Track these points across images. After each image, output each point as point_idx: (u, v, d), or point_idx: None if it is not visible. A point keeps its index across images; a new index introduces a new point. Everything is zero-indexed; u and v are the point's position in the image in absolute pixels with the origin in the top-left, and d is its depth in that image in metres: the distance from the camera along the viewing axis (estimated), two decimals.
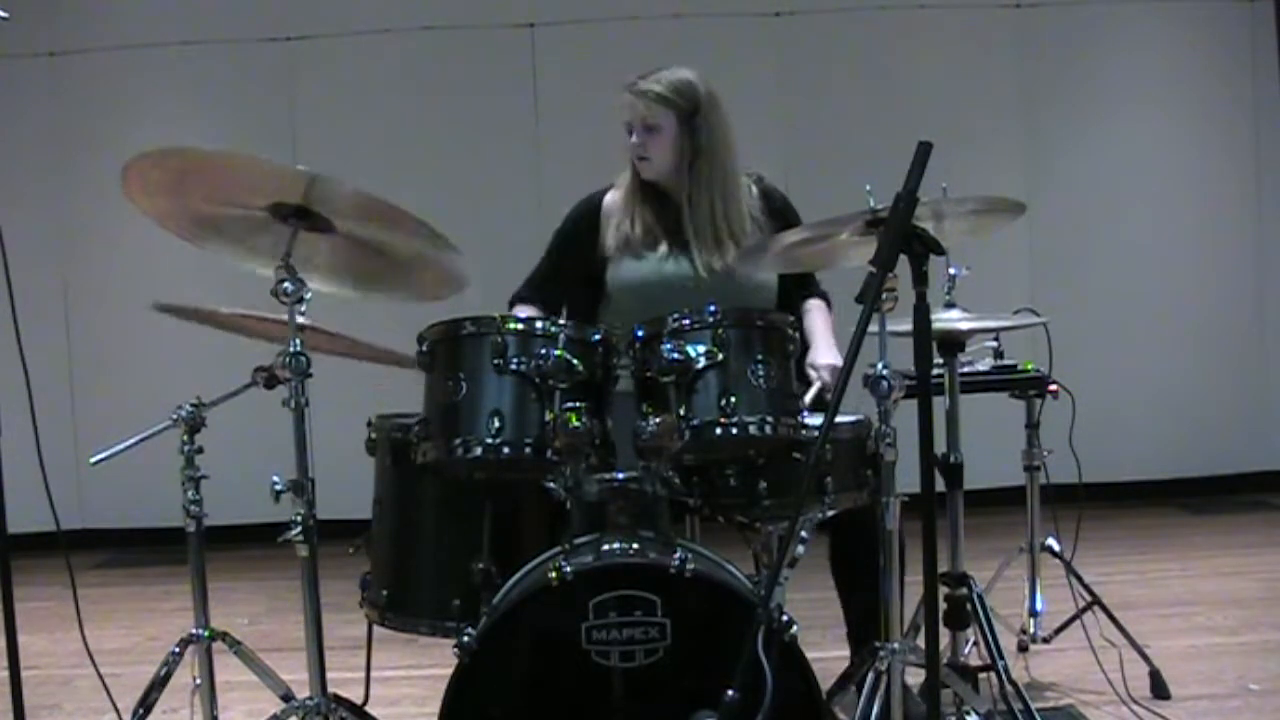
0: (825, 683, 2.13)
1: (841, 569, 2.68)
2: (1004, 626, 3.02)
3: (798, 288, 2.83)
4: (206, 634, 2.36)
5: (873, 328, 1.98)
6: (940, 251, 1.95)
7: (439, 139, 5.40)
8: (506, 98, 5.42)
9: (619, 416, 2.16)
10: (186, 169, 2.12)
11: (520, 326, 2.11)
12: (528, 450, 2.05)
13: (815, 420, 2.22)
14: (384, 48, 5.43)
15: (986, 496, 4.23)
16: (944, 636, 2.49)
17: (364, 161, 5.20)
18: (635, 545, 2.02)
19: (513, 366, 2.07)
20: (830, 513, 2.25)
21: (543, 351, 2.06)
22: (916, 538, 1.94)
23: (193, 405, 2.33)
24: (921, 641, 2.14)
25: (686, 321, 2.12)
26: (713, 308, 2.12)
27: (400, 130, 5.40)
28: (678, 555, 1.93)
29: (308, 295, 2.14)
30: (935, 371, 2.33)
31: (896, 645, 2.20)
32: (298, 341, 2.13)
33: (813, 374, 2.56)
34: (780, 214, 2.81)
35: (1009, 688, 2.50)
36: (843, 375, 1.90)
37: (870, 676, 2.22)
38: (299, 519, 2.13)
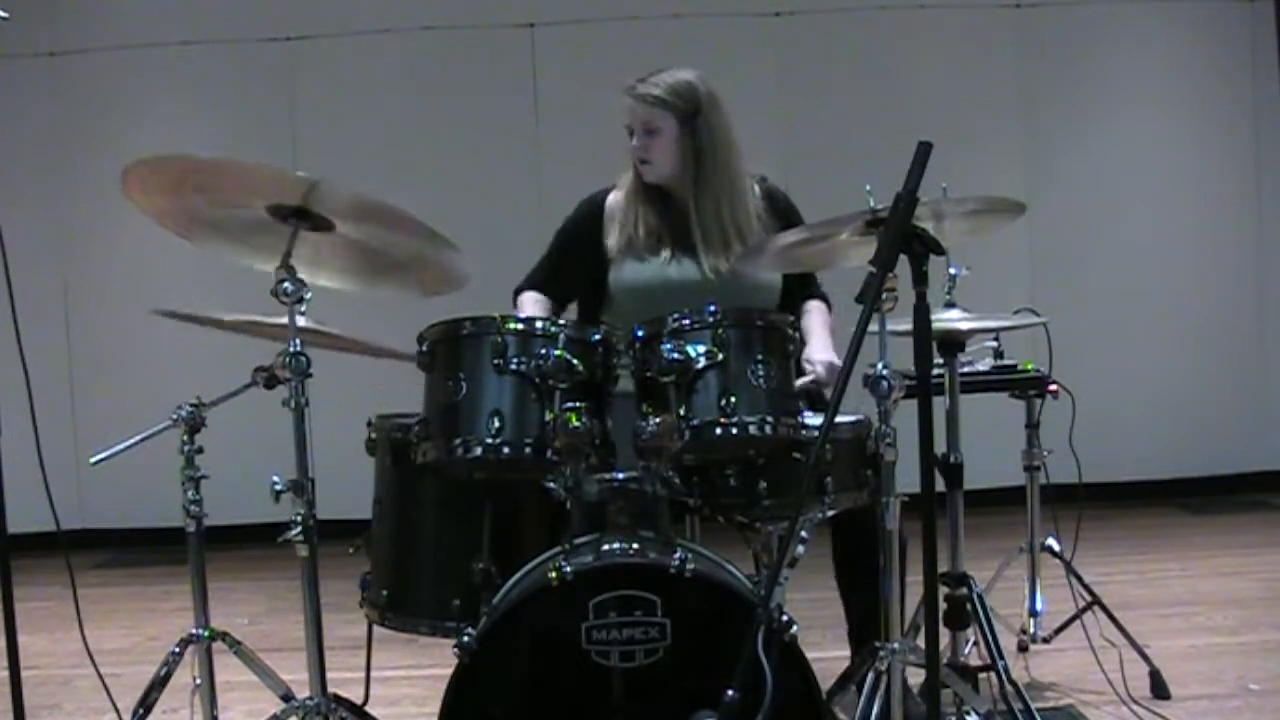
0: (825, 683, 2.12)
1: (843, 569, 2.68)
2: (1004, 626, 3.02)
3: (799, 288, 2.83)
4: (206, 634, 2.36)
5: (873, 328, 1.98)
6: (940, 251, 1.95)
7: (439, 139, 5.40)
8: (506, 98, 5.42)
9: (619, 416, 2.16)
10: (186, 173, 2.13)
11: (520, 326, 2.11)
12: (528, 450, 2.05)
13: (815, 420, 2.22)
14: (384, 48, 5.43)
15: (986, 496, 4.23)
16: (944, 636, 2.49)
17: (364, 161, 5.20)
18: (635, 545, 2.02)
19: (513, 366, 2.07)
20: (830, 513, 2.25)
21: (543, 351, 2.06)
22: (916, 538, 1.94)
23: (193, 405, 2.33)
24: (921, 641, 2.14)
25: (686, 321, 2.12)
26: (713, 308, 2.12)
27: (400, 130, 5.41)
28: (678, 555, 1.93)
29: (308, 295, 2.14)
30: (935, 371, 2.33)
31: (896, 645, 2.20)
32: (298, 341, 2.13)
33: (807, 367, 2.56)
34: (784, 215, 2.81)
35: (1009, 688, 2.50)
36: (843, 375, 1.90)
37: (870, 676, 2.22)
38: (299, 519, 2.13)
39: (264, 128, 5.41)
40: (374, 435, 2.35)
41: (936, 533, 1.90)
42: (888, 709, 2.20)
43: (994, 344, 3.18)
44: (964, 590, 2.59)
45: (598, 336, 2.15)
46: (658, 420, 2.05)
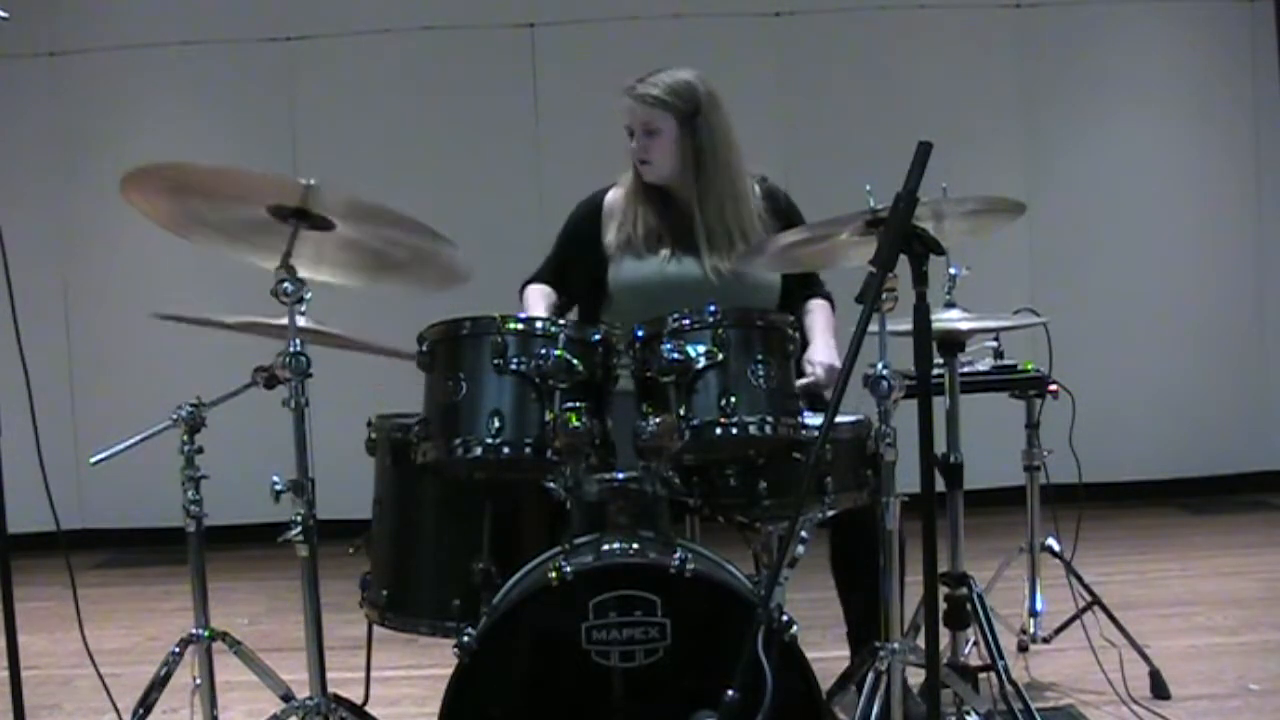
0: (825, 683, 2.12)
1: (841, 569, 2.68)
2: (1004, 626, 3.02)
3: (801, 287, 2.83)
4: (206, 634, 2.36)
5: (873, 328, 1.98)
6: (940, 251, 1.95)
7: (439, 139, 5.40)
8: (506, 98, 5.42)
9: (619, 416, 2.16)
10: (184, 179, 2.14)
11: (520, 326, 2.11)
12: (528, 450, 2.05)
13: (815, 420, 2.22)
14: (384, 48, 5.43)
15: (986, 496, 4.23)
16: (944, 636, 2.49)
17: (364, 161, 5.21)
18: (635, 545, 2.02)
19: (513, 366, 2.07)
20: (830, 513, 2.25)
21: (543, 351, 2.06)
22: (916, 538, 1.94)
23: (193, 405, 2.33)
24: (921, 641, 2.14)
25: (686, 321, 2.12)
26: (713, 308, 2.12)
27: (400, 130, 5.41)
28: (678, 555, 1.93)
29: (308, 295, 2.14)
30: (935, 371, 2.33)
31: (896, 645, 2.20)
32: (298, 341, 2.13)
33: (807, 368, 2.56)
34: (784, 214, 2.80)
35: (1009, 688, 2.50)
36: (843, 375, 1.90)
37: (870, 676, 2.22)
38: (299, 519, 2.13)
39: (264, 128, 5.42)
40: (374, 435, 2.35)
41: (936, 533, 1.90)
42: (888, 709, 2.20)
43: (994, 344, 3.18)
44: (964, 590, 2.59)
45: (598, 336, 2.15)
46: (658, 420, 2.05)
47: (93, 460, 2.30)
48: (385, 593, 2.29)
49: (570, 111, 5.23)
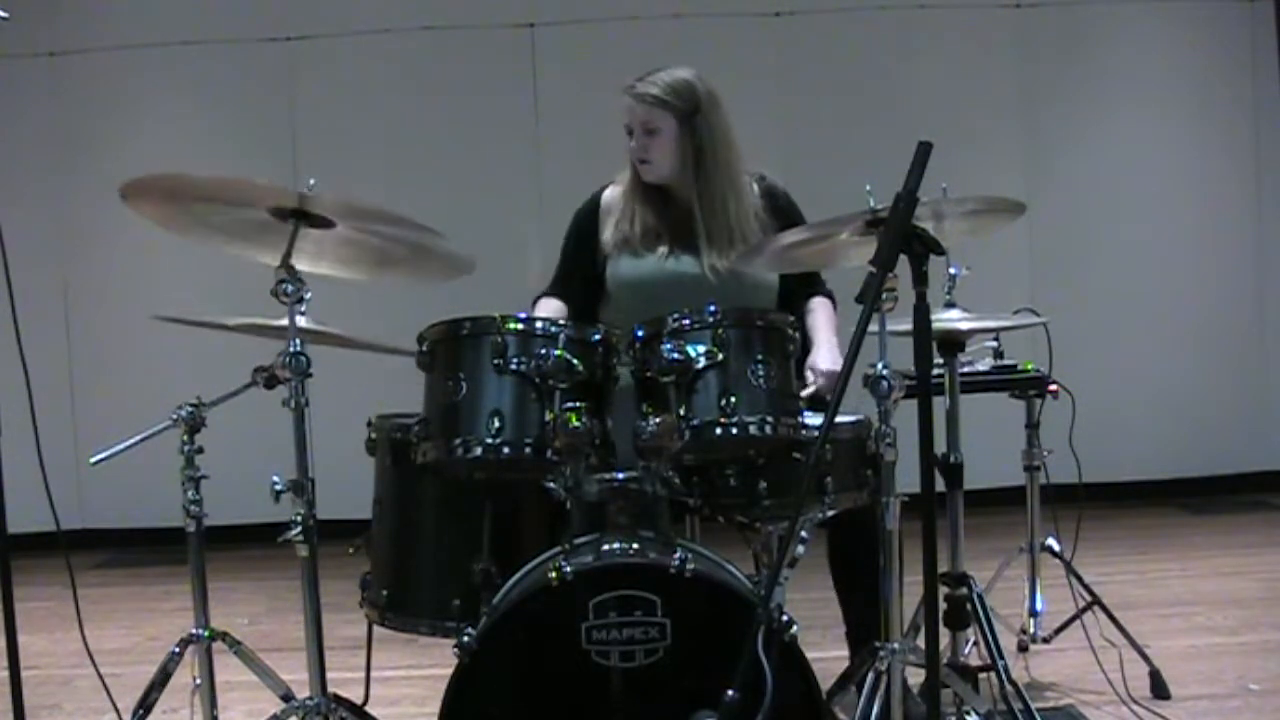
0: (825, 683, 2.12)
1: (841, 569, 2.68)
2: (1004, 626, 3.02)
3: (802, 286, 2.83)
4: (206, 634, 2.36)
5: (873, 328, 1.98)
6: (940, 251, 1.95)
7: (439, 139, 5.40)
8: (506, 98, 5.42)
9: (619, 416, 2.16)
10: (183, 187, 2.15)
11: (520, 326, 2.11)
12: (528, 450, 2.05)
13: (815, 420, 2.22)
14: (384, 48, 5.43)
15: (986, 496, 4.23)
16: (944, 636, 2.49)
17: (364, 161, 5.22)
18: (635, 545, 2.02)
19: (513, 366, 2.07)
20: (830, 513, 2.25)
21: (543, 351, 2.06)
22: (916, 538, 1.94)
23: (193, 405, 2.33)
24: (921, 641, 2.14)
25: (686, 321, 2.12)
26: (713, 308, 2.12)
27: (400, 130, 5.41)
28: (678, 555, 1.93)
29: (308, 295, 2.15)
30: (935, 371, 2.33)
31: (896, 645, 2.20)
32: (298, 341, 2.13)
33: (809, 376, 2.56)
34: (784, 213, 2.80)
35: (1009, 688, 2.50)
36: (843, 375, 1.90)
37: (870, 676, 2.22)
38: (299, 519, 2.13)
39: (264, 128, 5.42)
40: (374, 435, 2.35)
41: (936, 533, 1.90)
42: (888, 709, 2.20)
43: (994, 344, 3.18)
44: (964, 590, 2.59)
45: (598, 336, 2.15)
46: (658, 420, 2.04)
47: (93, 460, 2.30)
48: (385, 593, 2.29)
49: (570, 111, 5.23)
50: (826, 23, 5.46)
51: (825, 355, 2.63)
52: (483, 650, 1.92)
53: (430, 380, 2.16)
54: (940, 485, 2.23)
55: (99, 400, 5.29)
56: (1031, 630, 3.15)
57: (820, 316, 2.78)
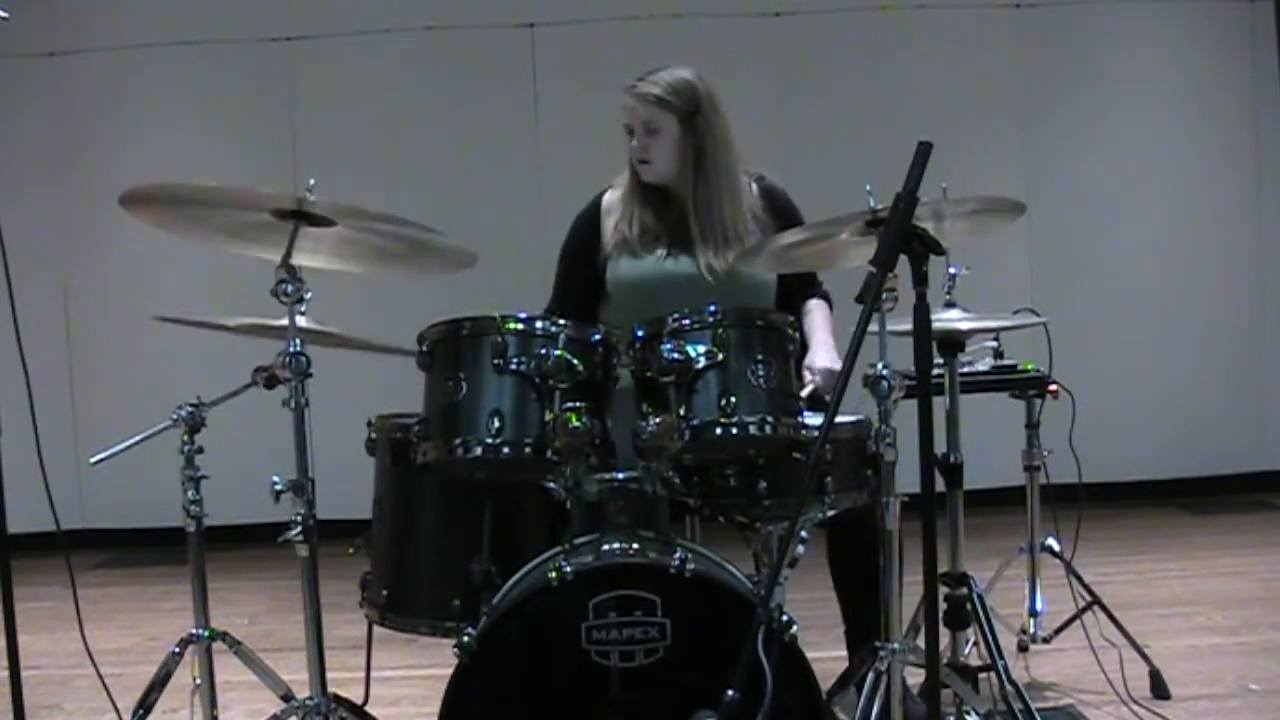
0: (825, 683, 2.13)
1: (840, 569, 2.68)
2: (1004, 626, 3.02)
3: (800, 287, 2.83)
4: (206, 634, 2.36)
5: (873, 328, 1.98)
6: (940, 251, 1.94)
7: (439, 139, 5.40)
8: (506, 98, 5.42)
9: (619, 416, 2.16)
10: (182, 194, 2.16)
11: (520, 326, 2.11)
12: (528, 450, 2.05)
13: (815, 420, 2.22)
14: (384, 48, 5.42)
15: (986, 496, 4.23)
16: (944, 636, 2.49)
17: (364, 161, 5.22)
18: (635, 545, 2.02)
19: (513, 366, 2.07)
20: (830, 513, 2.25)
21: (543, 351, 2.06)
22: (916, 538, 1.94)
23: (193, 405, 2.33)
24: (921, 641, 2.14)
25: (686, 321, 2.12)
26: (713, 308, 2.12)
27: (400, 130, 5.40)
28: (678, 555, 1.94)
29: (308, 295, 2.15)
30: (935, 371, 2.33)
31: (896, 645, 2.20)
32: (298, 341, 2.13)
33: (807, 375, 2.56)
34: (782, 213, 2.80)
35: (1009, 688, 2.50)
36: (843, 375, 1.90)
37: (870, 676, 2.22)
38: (299, 519, 2.13)
39: (264, 128, 5.42)
40: (374, 435, 2.35)
41: (936, 533, 1.90)
42: (888, 709, 2.20)
43: (994, 344, 3.18)
44: (964, 590, 2.59)
45: (598, 336, 2.15)
46: (658, 420, 2.04)
47: (93, 460, 2.30)
48: (385, 593, 2.29)
49: (570, 111, 5.23)
50: (826, 23, 5.46)
51: (822, 354, 2.63)
52: (483, 650, 1.92)
53: (430, 380, 2.16)
54: (940, 485, 2.23)
55: (99, 400, 5.29)
56: (1031, 630, 3.15)
57: (817, 317, 2.79)
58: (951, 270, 2.87)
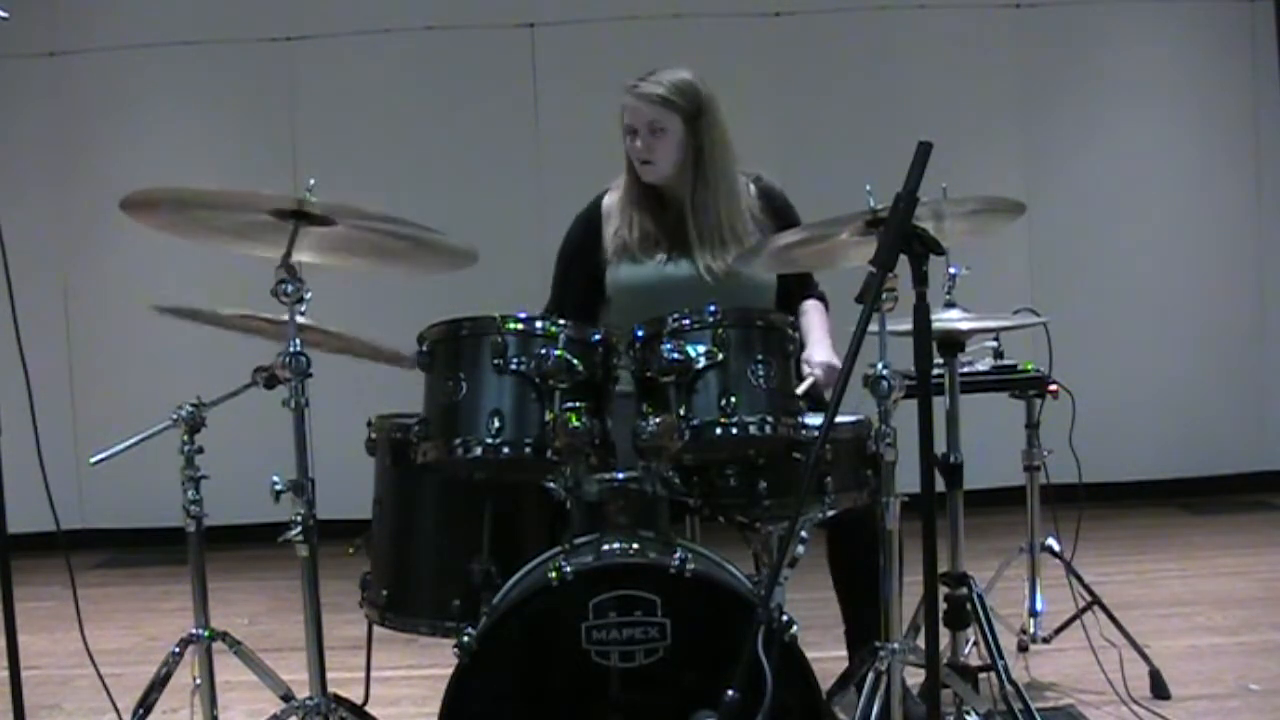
0: (825, 683, 2.13)
1: (841, 569, 2.68)
2: (1004, 626, 3.02)
3: (797, 288, 2.83)
4: (206, 634, 2.36)
5: (873, 328, 1.98)
6: (940, 251, 1.95)
7: (439, 139, 5.40)
8: (506, 98, 5.41)
9: (619, 416, 2.16)
10: (182, 197, 2.16)
11: (520, 326, 2.11)
12: (528, 450, 2.05)
13: (815, 420, 2.22)
14: (384, 48, 5.42)
15: (986, 496, 4.23)
16: (944, 636, 2.49)
17: (364, 161, 5.22)
18: (635, 545, 2.02)
19: (513, 366, 2.07)
20: (830, 513, 2.25)
21: (543, 351, 2.06)
22: (916, 538, 1.94)
23: (193, 405, 2.33)
24: (921, 641, 2.14)
25: (686, 321, 2.12)
26: (713, 308, 2.12)
27: (400, 130, 5.40)
28: (678, 555, 1.94)
29: (308, 295, 2.15)
30: (935, 371, 2.33)
31: (896, 645, 2.20)
32: (298, 341, 2.13)
33: (806, 369, 2.56)
34: (780, 213, 2.80)
35: (1009, 688, 2.50)
36: (843, 375, 1.90)
37: (870, 676, 2.22)
38: (299, 519, 2.13)
39: (264, 128, 5.42)
40: (374, 435, 2.35)
41: (936, 533, 1.90)
42: (888, 709, 2.20)
43: (994, 344, 3.18)
44: (964, 590, 2.59)
45: (598, 336, 2.15)
46: (658, 420, 2.05)
47: (93, 460, 2.30)
48: (385, 593, 2.29)
49: (570, 111, 5.23)
50: (826, 23, 5.45)
51: (821, 350, 2.63)
52: (483, 650, 1.92)
53: (430, 380, 2.16)
54: (940, 485, 2.23)
55: (99, 400, 5.29)
56: (1031, 630, 3.15)
57: (814, 317, 2.79)
58: (951, 270, 2.87)
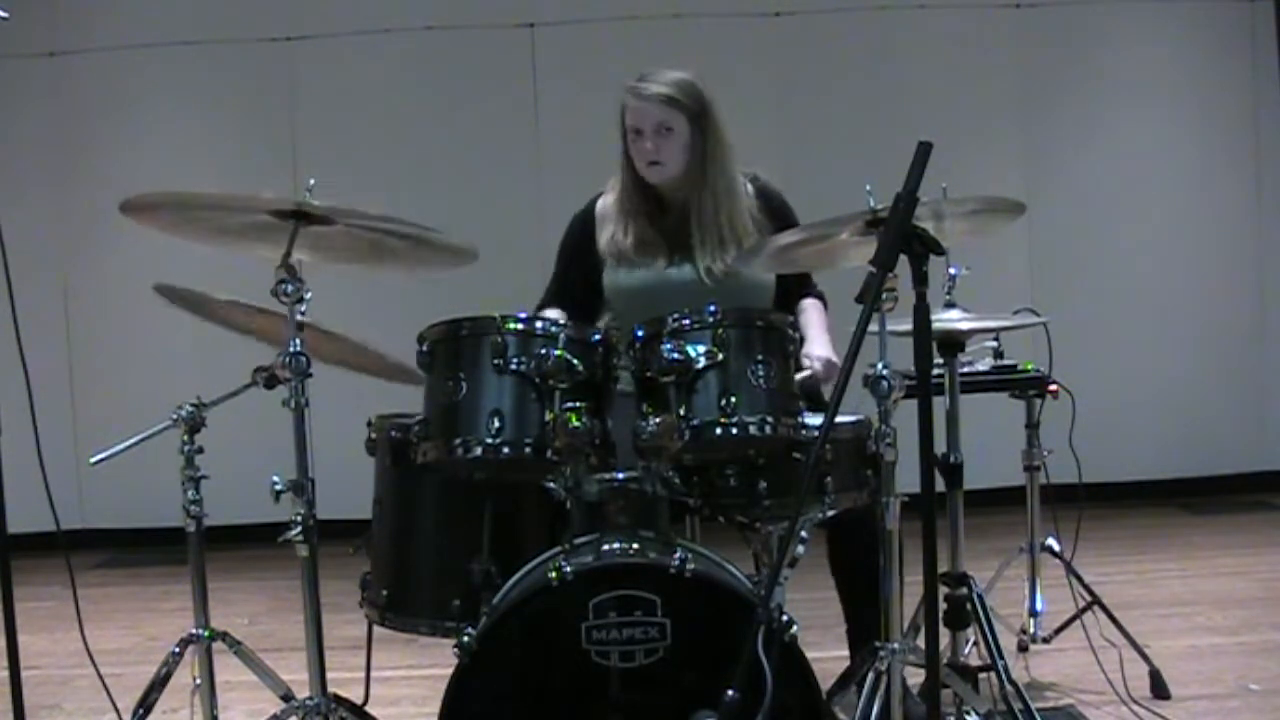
0: (825, 683, 2.13)
1: (841, 570, 2.68)
2: (1004, 626, 3.02)
3: (795, 287, 2.83)
4: (206, 634, 2.36)
5: (873, 328, 1.98)
6: (940, 251, 1.95)
7: (439, 139, 5.40)
8: (506, 98, 5.41)
9: (619, 416, 2.16)
10: (182, 200, 2.17)
11: (520, 326, 2.11)
12: (528, 450, 2.05)
13: (815, 420, 2.22)
14: (384, 48, 5.42)
15: (986, 496, 4.22)
16: (944, 636, 2.49)
17: (364, 161, 5.21)
18: (635, 545, 2.02)
19: (513, 366, 2.07)
20: (830, 513, 2.25)
21: (543, 351, 2.06)
22: (916, 538, 1.94)
23: (193, 405, 2.33)
24: (921, 641, 2.14)
25: (686, 321, 2.12)
26: (713, 308, 2.12)
27: (400, 130, 5.40)
28: (678, 555, 1.94)
29: (308, 295, 2.15)
30: (935, 371, 2.33)
31: (896, 645, 2.20)
32: (297, 341, 2.13)
33: (805, 362, 2.54)
34: (777, 213, 2.79)
35: (1009, 688, 2.50)
36: (843, 375, 1.90)
37: (870, 676, 2.22)
38: (299, 519, 2.13)
39: (264, 128, 5.41)
40: (374, 435, 2.35)
41: (936, 533, 1.90)
42: (888, 709, 2.20)
43: (994, 344, 3.18)
44: (964, 590, 2.59)
45: (598, 336, 2.15)
46: (658, 420, 2.05)
47: (93, 460, 2.30)
48: (385, 593, 2.29)
49: (570, 111, 5.22)
50: (826, 23, 5.45)
51: (820, 346, 2.63)
52: (483, 650, 1.92)
53: (430, 380, 2.16)
54: (940, 485, 2.22)
55: (99, 400, 5.29)
56: (1031, 630, 3.15)
57: (812, 316, 2.78)
58: (951, 270, 2.87)
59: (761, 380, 2.10)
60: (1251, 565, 4.32)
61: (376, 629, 2.37)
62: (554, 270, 2.88)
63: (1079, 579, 3.11)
